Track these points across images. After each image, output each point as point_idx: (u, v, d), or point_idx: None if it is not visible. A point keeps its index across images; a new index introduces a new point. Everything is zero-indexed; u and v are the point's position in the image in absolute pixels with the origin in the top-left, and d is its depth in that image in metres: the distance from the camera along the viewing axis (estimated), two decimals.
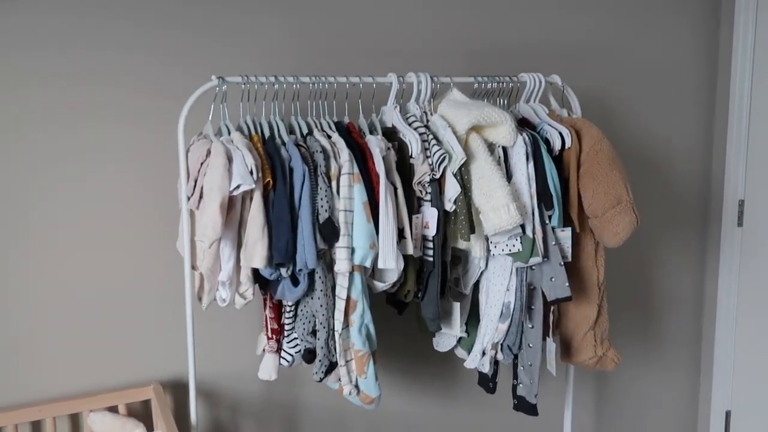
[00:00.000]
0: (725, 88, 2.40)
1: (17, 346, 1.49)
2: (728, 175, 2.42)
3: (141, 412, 1.61)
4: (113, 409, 1.56)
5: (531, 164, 1.55)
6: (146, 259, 1.60)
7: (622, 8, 2.16)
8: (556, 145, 1.61)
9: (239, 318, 1.71)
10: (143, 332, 1.61)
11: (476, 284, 1.66)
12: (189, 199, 1.35)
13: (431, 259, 1.50)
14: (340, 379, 1.49)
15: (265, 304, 1.54)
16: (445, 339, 1.73)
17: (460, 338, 1.72)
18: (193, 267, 1.41)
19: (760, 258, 2.35)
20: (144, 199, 1.58)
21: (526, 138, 1.55)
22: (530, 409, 1.68)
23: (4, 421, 1.43)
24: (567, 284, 1.57)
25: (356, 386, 1.47)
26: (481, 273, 1.65)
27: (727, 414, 2.49)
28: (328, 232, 1.34)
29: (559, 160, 1.62)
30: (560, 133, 1.61)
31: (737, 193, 2.39)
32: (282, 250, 1.31)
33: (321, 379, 1.44)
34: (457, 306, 1.63)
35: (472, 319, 1.70)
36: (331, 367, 1.46)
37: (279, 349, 1.53)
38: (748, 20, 2.30)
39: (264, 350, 1.55)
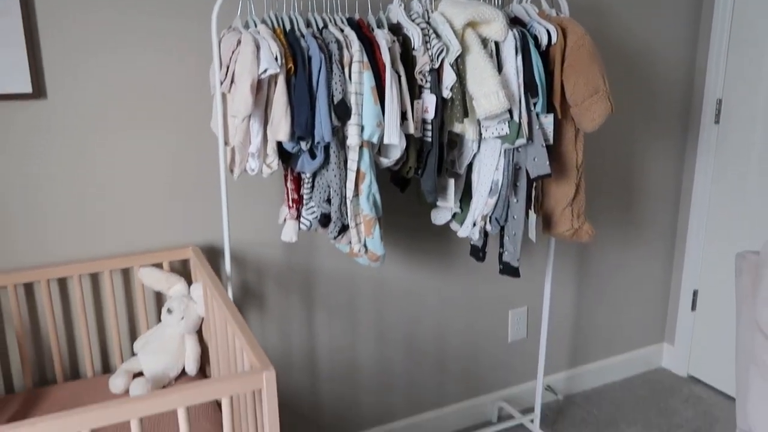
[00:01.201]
0: None
1: (81, 212, 1.75)
2: (709, 75, 2.60)
3: (181, 271, 1.88)
4: (158, 266, 1.83)
5: (520, 57, 1.75)
6: (185, 139, 1.82)
7: None
8: (544, 41, 1.80)
9: (263, 193, 1.95)
10: (181, 203, 1.86)
11: (469, 166, 1.90)
12: (222, 83, 1.57)
13: (430, 139, 1.73)
14: (351, 242, 1.76)
15: (286, 178, 1.78)
16: (442, 213, 1.98)
17: (455, 213, 1.97)
18: (226, 143, 1.64)
19: (733, 153, 2.57)
20: (181, 85, 1.78)
21: (516, 34, 1.74)
22: (513, 272, 1.95)
23: (71, 271, 1.71)
24: (548, 163, 1.80)
25: (364, 245, 1.74)
26: (474, 155, 1.88)
27: (695, 293, 2.78)
28: (342, 111, 1.56)
29: (545, 54, 1.82)
30: (548, 31, 1.80)
31: (716, 92, 2.58)
32: (302, 126, 1.54)
33: (335, 238, 1.71)
34: (451, 181, 1.87)
35: (466, 197, 1.94)
36: (343, 228, 1.72)
37: (298, 216, 1.79)
38: None
39: (285, 219, 1.81)
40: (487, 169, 1.85)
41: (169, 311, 1.74)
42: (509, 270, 1.95)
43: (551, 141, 1.84)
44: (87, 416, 1.05)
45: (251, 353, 1.25)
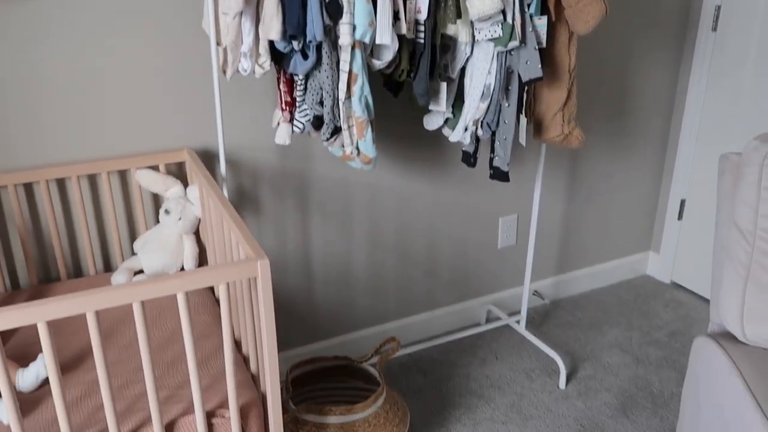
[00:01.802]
0: None
1: (77, 114, 1.76)
2: None
3: (176, 174, 1.91)
4: (155, 168, 1.86)
5: None
6: (179, 40, 1.80)
7: None
8: None
9: (257, 98, 1.96)
10: (177, 106, 1.86)
11: (462, 70, 1.90)
12: None
13: (422, 41, 1.72)
14: (343, 145, 1.78)
15: (279, 81, 1.78)
16: (434, 118, 1.99)
17: (447, 119, 1.98)
18: (218, 43, 1.63)
19: (729, 61, 2.56)
20: None
21: None
22: (503, 176, 1.99)
23: (69, 172, 1.74)
24: (540, 66, 1.80)
25: (357, 148, 1.76)
26: (467, 59, 1.88)
27: (682, 202, 2.84)
28: (333, 9, 1.55)
29: None
30: None
31: None
32: (294, 24, 1.53)
33: (327, 140, 1.73)
34: (444, 85, 1.87)
35: (458, 103, 1.95)
36: (336, 131, 1.74)
37: (292, 119, 1.81)
38: None
39: (279, 122, 1.83)
40: (480, 73, 1.85)
41: (167, 212, 1.78)
42: (499, 174, 1.99)
43: (544, 44, 1.83)
44: (93, 298, 1.11)
45: (246, 245, 1.30)
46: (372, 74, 1.75)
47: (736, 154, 1.59)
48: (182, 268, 1.84)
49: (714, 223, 2.72)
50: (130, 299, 1.14)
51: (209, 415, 1.33)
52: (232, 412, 1.31)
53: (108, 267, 1.90)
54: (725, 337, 1.57)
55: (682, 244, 2.87)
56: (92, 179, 1.82)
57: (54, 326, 1.60)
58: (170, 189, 1.82)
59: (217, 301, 1.80)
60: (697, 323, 2.66)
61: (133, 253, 1.90)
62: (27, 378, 1.36)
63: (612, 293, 2.89)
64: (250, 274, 1.24)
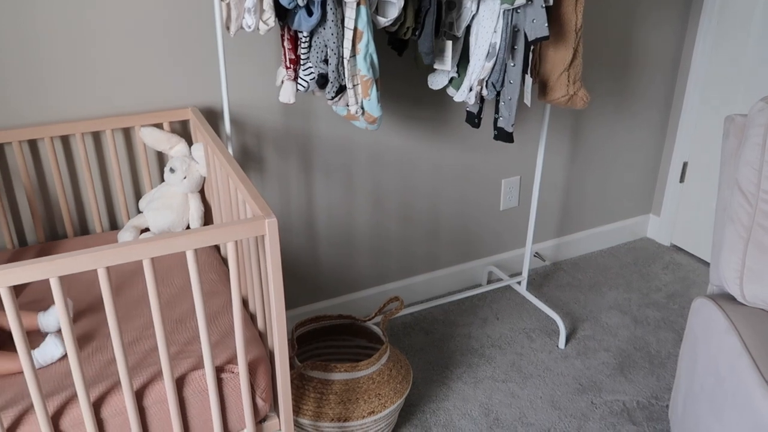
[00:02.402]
0: None
1: (81, 71, 1.74)
2: None
3: (181, 132, 1.91)
4: (159, 126, 1.86)
5: None
6: None
7: None
8: None
9: (261, 56, 1.94)
10: (181, 63, 1.84)
11: (467, 29, 1.88)
12: None
13: None
14: (348, 104, 1.77)
15: (283, 39, 1.77)
16: (439, 77, 1.98)
17: (452, 78, 1.97)
18: None
19: (734, 21, 2.52)
20: None
21: None
22: (507, 137, 1.98)
23: (73, 129, 1.73)
24: (546, 25, 1.79)
25: (362, 107, 1.76)
26: (473, 17, 1.85)
27: (684, 165, 2.84)
28: None
29: None
30: None
31: None
32: None
33: (332, 98, 1.73)
34: (449, 43, 1.86)
35: (463, 62, 1.94)
36: (341, 89, 1.73)
37: (296, 77, 1.79)
38: None
39: (283, 80, 1.82)
40: (485, 32, 1.83)
41: (172, 170, 1.79)
42: (503, 135, 1.98)
43: (551, 2, 1.81)
44: (104, 254, 1.12)
45: (253, 203, 1.31)
46: (377, 32, 1.74)
47: (742, 116, 1.59)
48: (188, 227, 1.86)
49: (716, 187, 2.73)
50: (141, 256, 1.16)
51: (218, 370, 1.35)
52: (241, 367, 1.33)
53: (114, 225, 1.91)
54: (724, 298, 1.59)
55: (683, 207, 2.88)
56: (96, 137, 1.82)
57: (64, 281, 1.62)
58: (175, 147, 1.82)
59: (224, 260, 1.82)
60: (696, 285, 2.68)
61: (139, 212, 1.91)
62: (49, 319, 1.40)
63: (612, 255, 2.91)
64: (257, 232, 1.25)
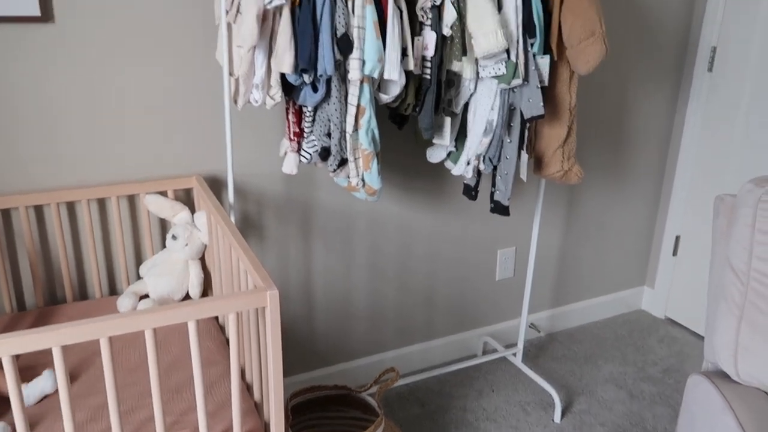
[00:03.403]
0: None
1: (89, 138, 1.79)
2: (705, 23, 2.63)
3: (184, 200, 1.95)
4: (163, 194, 1.89)
5: None
6: (190, 69, 1.85)
7: None
8: None
9: (265, 127, 2.00)
10: (185, 133, 1.90)
11: (466, 105, 1.95)
12: (227, 12, 1.59)
13: (429, 77, 1.77)
14: (349, 176, 1.82)
15: (287, 112, 1.83)
16: (437, 151, 2.04)
17: (450, 152, 2.03)
18: (231, 73, 1.68)
19: (724, 101, 2.62)
20: (188, 17, 1.81)
21: None
22: (504, 210, 2.03)
23: (79, 196, 1.77)
24: (542, 104, 1.86)
25: (362, 179, 1.80)
26: (471, 95, 1.93)
27: (677, 238, 2.88)
28: (344, 45, 1.60)
29: None
30: None
31: (711, 40, 2.62)
32: (306, 58, 1.58)
33: (334, 171, 1.77)
34: (448, 120, 1.92)
35: (461, 137, 2.00)
36: (342, 162, 1.78)
37: (299, 149, 1.85)
38: None
39: (286, 151, 1.87)
40: (483, 109, 1.90)
41: (174, 237, 1.81)
42: (500, 208, 2.03)
43: (546, 82, 1.89)
44: (106, 324, 1.13)
45: (255, 274, 1.33)
46: (378, 107, 1.80)
47: (731, 196, 1.63)
48: (187, 294, 1.87)
49: (708, 261, 2.76)
50: (143, 327, 1.17)
51: None
52: None
53: (113, 290, 1.92)
54: (719, 376, 1.60)
55: (677, 280, 2.91)
56: (102, 203, 1.85)
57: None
58: (178, 214, 1.85)
59: (221, 327, 1.82)
60: (691, 360, 2.68)
61: (139, 277, 1.92)
62: (31, 393, 1.38)
63: (607, 327, 2.91)
64: (259, 303, 1.26)
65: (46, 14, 1.65)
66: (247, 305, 1.26)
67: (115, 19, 1.73)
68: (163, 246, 1.94)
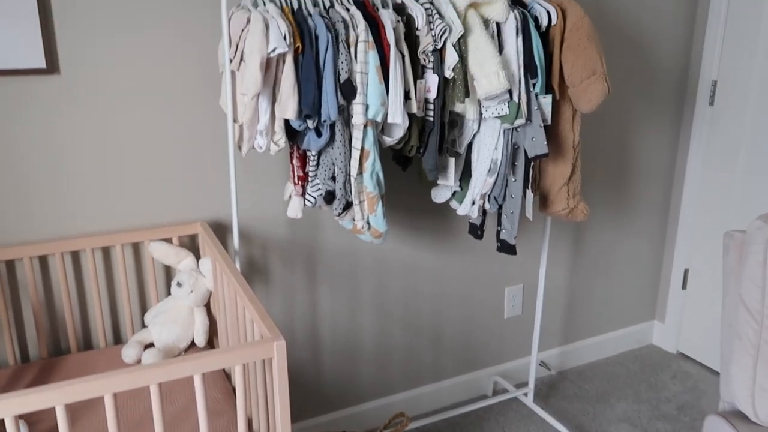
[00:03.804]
0: None
1: (94, 187, 1.79)
2: (705, 58, 2.65)
3: (189, 246, 1.94)
4: (168, 241, 1.88)
5: (520, 38, 1.79)
6: (194, 116, 1.86)
7: None
8: (544, 22, 1.84)
9: (269, 171, 2.00)
10: (189, 179, 1.90)
11: (469, 145, 1.95)
12: (231, 61, 1.61)
13: (432, 119, 1.77)
14: (354, 219, 1.81)
15: (292, 156, 1.83)
16: (442, 191, 2.03)
17: (454, 192, 2.02)
18: (235, 120, 1.69)
19: (726, 134, 2.62)
20: (191, 65, 1.82)
21: (517, 15, 1.78)
22: (510, 249, 2.01)
23: (83, 245, 1.76)
24: (545, 143, 1.85)
25: (367, 222, 1.79)
26: (474, 135, 1.93)
27: (686, 271, 2.85)
28: (347, 90, 1.61)
29: (545, 35, 1.86)
30: (548, 12, 1.84)
31: (711, 74, 2.63)
32: (309, 104, 1.58)
33: (339, 214, 1.76)
34: (452, 160, 1.92)
35: (465, 176, 2.00)
36: (347, 206, 1.77)
37: (304, 193, 1.84)
38: None
39: (291, 195, 1.86)
40: (487, 149, 1.90)
41: (179, 285, 1.80)
42: (506, 248, 2.01)
43: (549, 121, 1.89)
44: (111, 381, 1.11)
45: (262, 324, 1.31)
46: (382, 149, 1.80)
47: (740, 232, 1.62)
48: (192, 341, 1.84)
49: (718, 294, 2.73)
50: (148, 382, 1.15)
51: None
52: None
53: (118, 339, 1.90)
54: (737, 417, 1.56)
55: (687, 313, 2.87)
56: (106, 251, 1.84)
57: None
58: (183, 261, 1.84)
59: (227, 375, 1.79)
60: (706, 396, 2.63)
61: (144, 326, 1.90)
62: None
63: (618, 363, 2.87)
64: (266, 355, 1.24)
65: (52, 66, 1.67)
66: (253, 357, 1.23)
67: (119, 69, 1.75)
68: (168, 293, 1.92)
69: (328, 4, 1.69)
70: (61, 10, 1.65)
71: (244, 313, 1.46)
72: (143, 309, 1.92)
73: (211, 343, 1.92)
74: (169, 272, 1.93)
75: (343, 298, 2.24)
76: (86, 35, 1.69)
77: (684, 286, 2.86)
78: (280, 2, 1.64)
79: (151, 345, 1.81)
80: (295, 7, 1.65)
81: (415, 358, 2.44)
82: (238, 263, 1.85)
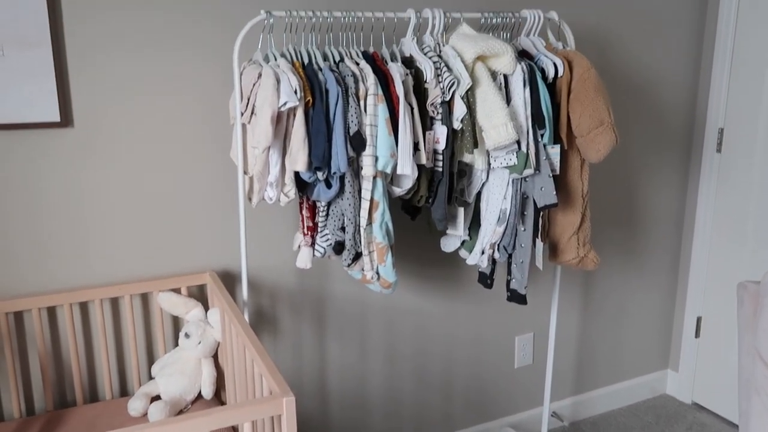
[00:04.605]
0: (713, 25, 2.62)
1: (100, 238, 1.79)
2: (711, 106, 2.66)
3: (198, 296, 1.93)
4: (176, 291, 1.88)
5: (527, 90, 1.81)
6: (205, 167, 1.88)
7: None
8: (551, 74, 1.86)
9: (279, 221, 2.01)
10: (200, 229, 1.91)
11: (478, 194, 1.95)
12: (242, 114, 1.63)
13: (440, 169, 1.78)
14: (363, 269, 1.80)
15: (301, 207, 1.84)
16: (451, 240, 2.03)
17: (464, 241, 2.01)
18: (245, 172, 1.70)
19: (735, 181, 2.62)
20: (202, 117, 1.84)
21: (524, 67, 1.81)
22: (521, 299, 1.99)
23: (92, 296, 1.76)
24: (554, 193, 1.86)
25: (377, 272, 1.78)
26: (483, 184, 1.93)
27: (698, 319, 2.81)
28: (357, 142, 1.62)
29: (552, 86, 1.88)
30: (554, 63, 1.86)
31: (718, 121, 2.64)
32: (320, 157, 1.60)
33: (348, 265, 1.76)
34: (461, 210, 1.92)
35: (474, 225, 1.99)
36: (357, 256, 1.77)
37: (313, 244, 1.84)
38: None
39: (300, 245, 1.86)
40: (496, 198, 1.90)
41: (187, 336, 1.78)
42: (517, 297, 2.00)
43: (558, 171, 1.90)
44: None
45: (271, 379, 1.30)
46: (391, 199, 1.80)
47: (754, 283, 1.60)
48: (199, 393, 1.82)
49: (733, 342, 2.69)
50: None
51: None
52: None
53: (124, 391, 1.88)
54: None
55: (702, 363, 2.82)
56: (114, 302, 1.84)
57: None
58: (191, 311, 1.83)
59: (234, 428, 1.76)
60: None
61: (151, 377, 1.88)
62: None
63: (632, 414, 2.80)
64: (275, 411, 1.22)
65: (66, 120, 1.69)
66: (262, 413, 1.22)
67: (132, 122, 1.77)
68: (176, 344, 1.91)
69: (338, 58, 1.72)
70: (77, 66, 1.69)
71: (252, 366, 1.44)
72: (150, 360, 1.90)
73: (219, 394, 1.89)
74: (177, 323, 1.92)
75: (352, 347, 2.21)
76: (100, 90, 1.72)
77: (697, 335, 2.82)
78: (291, 57, 1.67)
79: (157, 397, 1.79)
80: (306, 61, 1.68)
81: (425, 408, 2.40)
82: (246, 314, 1.84)
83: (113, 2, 1.70)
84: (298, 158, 1.59)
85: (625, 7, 2.43)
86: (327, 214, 1.78)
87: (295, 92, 1.55)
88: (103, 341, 1.78)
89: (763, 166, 2.51)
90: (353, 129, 1.62)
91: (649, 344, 2.89)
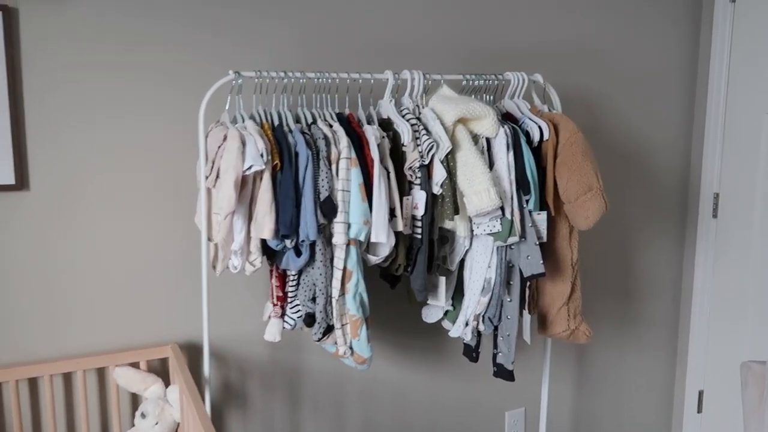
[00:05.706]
0: (704, 88, 2.57)
1: (54, 308, 1.68)
2: (705, 170, 2.59)
3: (159, 369, 1.79)
4: (135, 365, 1.74)
5: (511, 154, 1.73)
6: (166, 233, 1.78)
7: (605, 12, 2.33)
8: (536, 137, 1.78)
9: (247, 288, 1.89)
10: (162, 298, 1.79)
11: (461, 262, 1.84)
12: (207, 178, 1.54)
13: (420, 236, 1.68)
14: (336, 342, 1.68)
15: (271, 275, 1.72)
16: (433, 311, 1.91)
17: (447, 311, 1.89)
18: (209, 239, 1.60)
19: (733, 247, 2.52)
20: (165, 182, 1.76)
21: (508, 130, 1.73)
22: (508, 375, 1.86)
23: (42, 371, 1.62)
24: (541, 262, 1.75)
25: (350, 347, 1.66)
26: (466, 252, 1.83)
27: (700, 393, 2.66)
28: (328, 208, 1.53)
29: (538, 150, 1.80)
30: (539, 127, 1.79)
31: (713, 186, 2.56)
32: (287, 224, 1.49)
33: (319, 339, 1.63)
34: (443, 280, 1.81)
35: (458, 294, 1.88)
36: (329, 329, 1.64)
37: (283, 315, 1.72)
38: (725, 27, 2.46)
39: (269, 316, 1.74)
40: (479, 267, 1.80)
41: (143, 415, 1.65)
42: (503, 373, 1.86)
43: (545, 239, 1.79)
44: None
45: None
46: (368, 267, 1.70)
47: (759, 363, 1.48)
48: None
49: (737, 418, 2.53)
50: None
51: None
52: None
53: None
54: None
55: None
56: (67, 377, 1.70)
57: None
58: (149, 388, 1.70)
59: None
60: None
61: None
62: None
63: None
64: None
65: (21, 182, 1.60)
66: None
67: (90, 186, 1.69)
68: (132, 424, 1.76)
69: (310, 120, 1.64)
70: (35, 128, 1.61)
71: None
72: None
73: None
74: (135, 399, 1.78)
75: (327, 425, 2.06)
76: (59, 155, 1.65)
77: (699, 410, 2.66)
78: (260, 118, 1.59)
79: None
80: (276, 123, 1.60)
81: None
82: (207, 395, 1.70)
83: (75, 68, 1.64)
84: (264, 225, 1.49)
85: (614, 68, 2.39)
86: (297, 284, 1.67)
87: (262, 155, 1.46)
88: (51, 422, 1.64)
89: (761, 231, 2.42)
90: (324, 194, 1.52)
91: (649, 419, 2.72)
